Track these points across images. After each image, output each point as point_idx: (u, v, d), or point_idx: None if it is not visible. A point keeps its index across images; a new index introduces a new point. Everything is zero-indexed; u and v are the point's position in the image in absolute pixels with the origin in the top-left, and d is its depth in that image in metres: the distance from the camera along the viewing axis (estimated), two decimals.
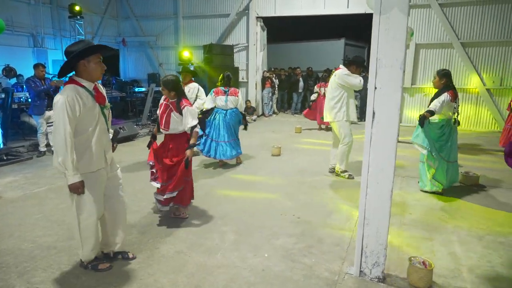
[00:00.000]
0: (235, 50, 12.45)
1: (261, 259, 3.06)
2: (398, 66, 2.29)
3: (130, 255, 3.07)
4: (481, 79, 9.83)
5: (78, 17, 10.84)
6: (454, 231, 3.61)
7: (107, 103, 2.79)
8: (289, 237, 3.47)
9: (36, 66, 6.66)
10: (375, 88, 2.37)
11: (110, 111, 2.93)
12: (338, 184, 5.12)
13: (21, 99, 8.37)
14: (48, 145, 6.91)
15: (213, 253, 3.16)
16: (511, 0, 9.22)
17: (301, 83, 13.17)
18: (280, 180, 5.31)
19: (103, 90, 2.79)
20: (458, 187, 4.95)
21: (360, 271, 2.74)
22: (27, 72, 8.17)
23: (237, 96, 5.87)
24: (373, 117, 2.42)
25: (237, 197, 4.61)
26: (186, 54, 11.84)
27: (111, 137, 2.88)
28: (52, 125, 6.76)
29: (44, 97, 6.60)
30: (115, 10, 13.71)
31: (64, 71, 2.59)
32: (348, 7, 10.95)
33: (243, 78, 12.62)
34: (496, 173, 5.58)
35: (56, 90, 6.89)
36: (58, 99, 2.42)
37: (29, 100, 7.38)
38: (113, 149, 2.93)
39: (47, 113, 6.71)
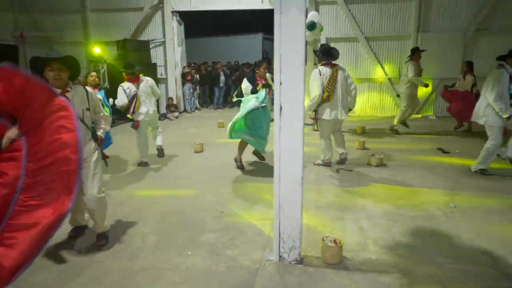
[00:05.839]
0: (151, 46, 11.96)
1: (185, 257, 3.06)
2: (299, 62, 2.46)
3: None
4: (383, 70, 10.93)
5: None
6: (362, 209, 4.00)
7: None
8: (212, 232, 3.52)
9: None
10: (280, 83, 2.51)
11: None
12: (261, 176, 5.30)
13: None
14: None
15: (135, 257, 3.07)
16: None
17: (222, 78, 13.21)
18: (203, 176, 5.31)
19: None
20: (366, 169, 5.48)
21: (279, 256, 2.90)
22: None
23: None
24: (281, 110, 2.57)
25: (159, 196, 4.51)
26: (97, 50, 11.05)
27: None
28: None
29: None
30: (9, 1, 12.15)
31: None
32: (262, 3, 11.22)
33: (161, 75, 12.20)
34: (397, 154, 6.28)
35: None
36: None
37: None
38: None
39: None
